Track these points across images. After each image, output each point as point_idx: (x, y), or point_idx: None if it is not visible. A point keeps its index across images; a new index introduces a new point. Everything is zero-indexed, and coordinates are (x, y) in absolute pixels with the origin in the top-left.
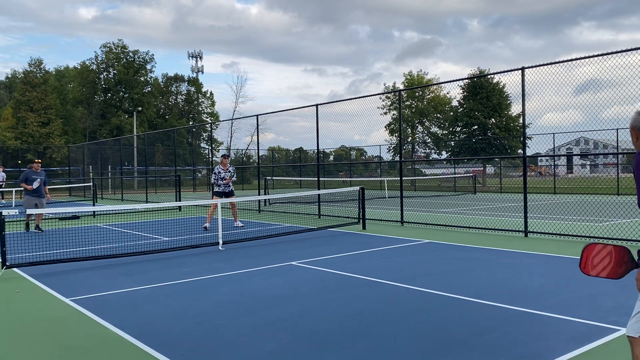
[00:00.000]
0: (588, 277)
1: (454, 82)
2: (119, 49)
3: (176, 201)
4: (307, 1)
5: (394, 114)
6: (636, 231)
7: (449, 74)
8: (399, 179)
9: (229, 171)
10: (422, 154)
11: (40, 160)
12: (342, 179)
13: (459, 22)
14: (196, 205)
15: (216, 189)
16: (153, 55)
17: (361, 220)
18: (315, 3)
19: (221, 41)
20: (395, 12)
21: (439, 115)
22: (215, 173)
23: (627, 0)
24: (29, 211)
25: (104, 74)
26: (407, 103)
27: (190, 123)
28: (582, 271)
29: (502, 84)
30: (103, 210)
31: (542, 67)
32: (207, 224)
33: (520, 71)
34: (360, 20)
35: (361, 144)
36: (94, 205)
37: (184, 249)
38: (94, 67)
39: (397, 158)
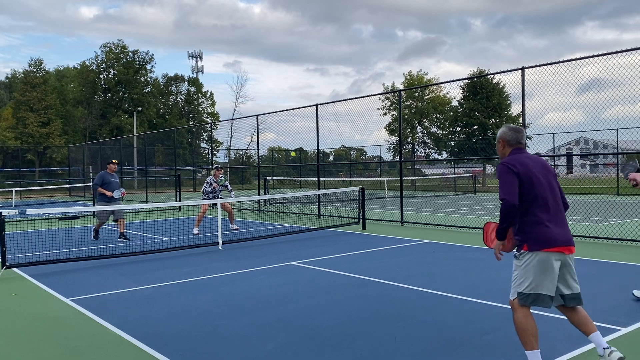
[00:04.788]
0: (587, 276)
1: (454, 82)
2: (119, 49)
3: (176, 201)
4: (311, 0)
5: (393, 114)
6: (636, 231)
7: (452, 74)
8: (399, 179)
9: (220, 179)
10: (422, 154)
11: (117, 161)
12: (342, 179)
13: (463, 22)
14: (196, 205)
15: (203, 196)
16: (153, 55)
17: (361, 220)
18: (319, 2)
19: (223, 40)
20: (399, 11)
21: (438, 115)
22: (207, 183)
23: (631, 0)
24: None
25: (104, 74)
26: (407, 103)
27: (190, 123)
28: (485, 244)
29: (502, 84)
30: (103, 210)
31: (543, 67)
32: (195, 229)
33: (520, 71)
34: (364, 19)
35: (361, 144)
36: (94, 205)
37: (183, 249)
38: (94, 67)
39: (397, 158)
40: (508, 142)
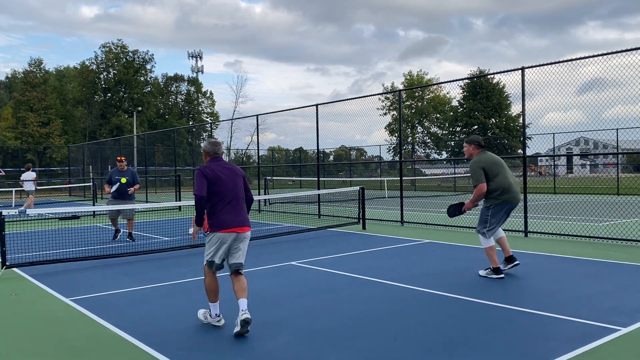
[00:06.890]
0: (587, 276)
1: (455, 82)
2: (119, 49)
3: (176, 201)
4: (312, 0)
5: (393, 114)
6: (636, 231)
7: (453, 74)
8: (399, 179)
9: None
10: (422, 154)
11: (124, 158)
12: (342, 179)
13: (464, 21)
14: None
15: None
16: (153, 55)
17: (361, 220)
18: (320, 2)
19: (224, 40)
20: (400, 11)
21: (438, 115)
22: None
23: (632, 0)
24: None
25: (104, 74)
26: (407, 103)
27: (190, 123)
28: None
29: (502, 84)
30: (103, 210)
31: (543, 67)
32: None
33: (520, 71)
34: (365, 19)
35: (361, 144)
36: (94, 205)
37: (183, 249)
38: (94, 67)
39: (397, 158)
40: (208, 153)
